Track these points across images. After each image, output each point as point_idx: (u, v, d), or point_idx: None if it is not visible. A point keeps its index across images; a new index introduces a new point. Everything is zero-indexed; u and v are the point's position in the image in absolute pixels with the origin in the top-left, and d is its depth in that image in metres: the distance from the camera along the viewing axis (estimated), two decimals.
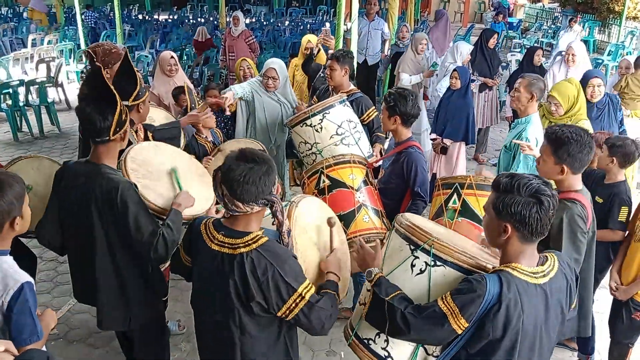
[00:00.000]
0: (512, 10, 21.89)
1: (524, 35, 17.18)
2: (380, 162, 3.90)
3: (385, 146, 4.30)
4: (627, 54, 12.17)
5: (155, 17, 18.87)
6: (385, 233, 3.21)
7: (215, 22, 16.50)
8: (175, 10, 21.48)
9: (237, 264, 1.99)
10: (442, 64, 6.67)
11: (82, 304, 3.21)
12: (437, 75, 6.65)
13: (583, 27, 16.90)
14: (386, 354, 2.14)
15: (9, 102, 8.29)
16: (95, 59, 3.70)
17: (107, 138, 2.53)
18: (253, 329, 2.08)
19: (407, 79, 6.57)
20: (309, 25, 16.41)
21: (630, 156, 3.26)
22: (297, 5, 23.77)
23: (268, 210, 2.11)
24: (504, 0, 21.41)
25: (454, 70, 5.53)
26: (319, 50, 5.70)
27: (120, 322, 2.78)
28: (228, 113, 4.39)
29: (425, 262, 2.04)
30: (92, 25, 15.08)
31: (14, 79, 8.88)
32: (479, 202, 2.78)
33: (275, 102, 4.59)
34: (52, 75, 9.71)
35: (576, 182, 2.68)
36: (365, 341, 2.19)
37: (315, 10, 21.97)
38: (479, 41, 7.25)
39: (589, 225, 2.71)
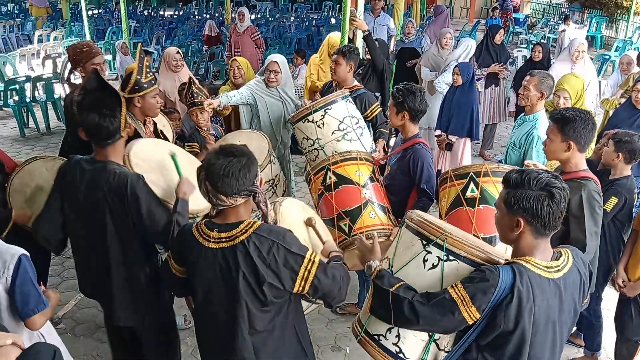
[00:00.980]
0: (519, 5, 21.75)
1: (530, 31, 17.09)
2: (392, 158, 3.89)
3: (392, 143, 4.30)
4: (635, 50, 12.09)
5: (161, 13, 18.91)
6: (392, 229, 3.21)
7: (221, 18, 16.49)
8: (180, 6, 21.50)
9: (240, 253, 2.00)
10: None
11: (89, 299, 3.22)
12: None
13: (590, 22, 16.80)
14: (397, 349, 2.14)
15: (16, 98, 8.34)
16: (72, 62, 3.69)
17: (118, 137, 2.55)
18: (262, 323, 2.08)
19: (426, 73, 6.51)
20: (314, 21, 16.37)
21: (636, 152, 3.24)
22: (303, 1, 23.70)
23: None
24: None
25: (455, 66, 5.51)
26: (354, 35, 5.51)
27: (133, 317, 2.77)
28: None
29: (438, 257, 2.04)
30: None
31: (21, 75, 8.92)
32: (497, 188, 2.81)
33: (277, 101, 4.56)
34: (58, 71, 9.74)
35: (582, 161, 2.80)
36: (376, 337, 2.18)
37: (320, 6, 21.89)
38: (485, 37, 7.21)
39: None
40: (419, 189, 3.39)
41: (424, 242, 2.09)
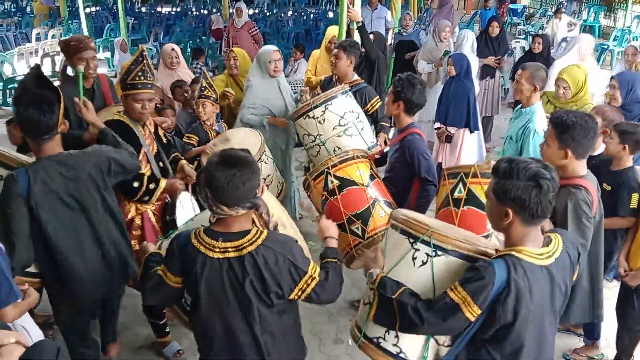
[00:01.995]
0: None
1: (528, 22, 17.02)
2: (387, 149, 3.90)
3: (390, 135, 4.30)
4: (633, 39, 12.05)
5: (159, 9, 18.83)
6: None
7: (218, 14, 16.45)
8: (178, 2, 21.41)
9: (248, 263, 2.00)
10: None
11: None
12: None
13: (588, 12, 16.73)
14: (398, 350, 2.16)
15: None
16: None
17: (55, 132, 2.56)
18: (271, 320, 2.11)
19: (423, 67, 6.50)
20: (312, 15, 16.31)
21: None
22: None
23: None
24: None
25: (449, 57, 5.51)
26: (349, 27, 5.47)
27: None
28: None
29: (427, 253, 2.06)
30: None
31: (19, 74, 8.92)
32: (484, 189, 2.77)
33: (280, 101, 4.53)
34: (57, 69, 9.73)
35: (580, 167, 2.68)
36: (375, 340, 2.20)
37: (318, 0, 21.82)
38: (484, 29, 7.19)
39: (595, 210, 2.71)
40: (420, 178, 3.41)
41: (411, 240, 2.11)
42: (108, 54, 11.54)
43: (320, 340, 3.78)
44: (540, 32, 11.02)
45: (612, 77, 4.54)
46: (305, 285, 2.08)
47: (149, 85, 3.18)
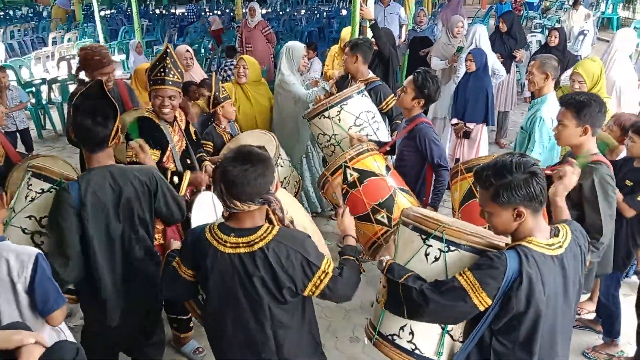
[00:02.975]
0: None
1: (544, 15, 16.81)
2: (398, 141, 3.89)
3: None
4: None
5: (172, 11, 18.97)
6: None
7: (232, 14, 16.50)
8: (192, 3, 21.54)
9: (259, 259, 2.01)
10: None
11: None
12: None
13: (606, 3, 16.47)
14: (413, 346, 2.15)
15: (33, 100, 8.44)
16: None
17: (106, 146, 2.56)
18: (283, 318, 2.10)
19: (437, 63, 6.42)
20: (325, 14, 16.31)
21: None
22: None
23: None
24: None
25: (469, 53, 5.46)
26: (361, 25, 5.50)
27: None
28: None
29: (439, 249, 2.06)
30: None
31: (37, 78, 9.05)
32: None
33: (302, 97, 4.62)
34: (73, 72, 9.85)
35: (594, 145, 2.81)
36: (390, 337, 2.20)
37: None
38: (497, 25, 7.12)
39: None
40: (433, 164, 3.45)
41: (423, 237, 2.11)
42: (123, 56, 11.64)
43: (336, 339, 3.78)
44: (557, 25, 10.87)
45: None
46: (318, 281, 2.07)
47: (170, 82, 3.18)
